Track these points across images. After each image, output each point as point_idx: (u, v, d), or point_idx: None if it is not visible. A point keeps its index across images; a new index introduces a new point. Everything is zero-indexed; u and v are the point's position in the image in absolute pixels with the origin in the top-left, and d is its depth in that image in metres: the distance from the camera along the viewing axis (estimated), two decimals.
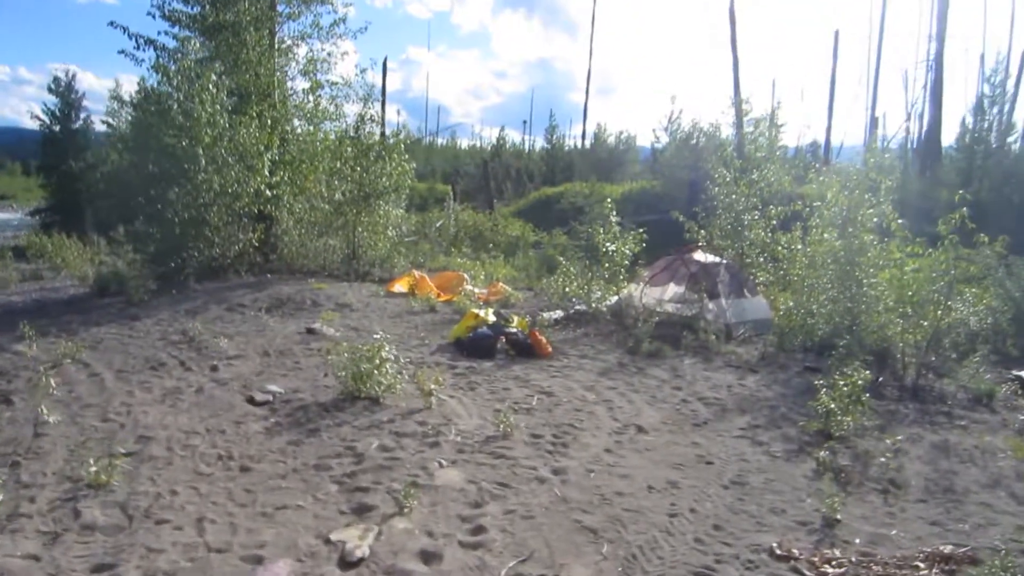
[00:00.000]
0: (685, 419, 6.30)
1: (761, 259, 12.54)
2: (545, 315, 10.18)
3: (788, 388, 7.58)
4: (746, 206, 12.49)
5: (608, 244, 9.93)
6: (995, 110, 20.42)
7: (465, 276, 13.60)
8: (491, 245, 20.17)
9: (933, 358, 7.71)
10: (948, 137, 23.82)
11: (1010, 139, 20.79)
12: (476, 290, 12.88)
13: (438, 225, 21.57)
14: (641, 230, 10.90)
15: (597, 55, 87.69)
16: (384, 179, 15.23)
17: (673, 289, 12.18)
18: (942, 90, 23.77)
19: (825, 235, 9.82)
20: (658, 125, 25.77)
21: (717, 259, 11.55)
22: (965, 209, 7.39)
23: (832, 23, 65.39)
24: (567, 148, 37.71)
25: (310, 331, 9.29)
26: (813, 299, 9.84)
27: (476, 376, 7.47)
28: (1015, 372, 8.31)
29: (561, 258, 11.33)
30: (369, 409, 6.09)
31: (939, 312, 7.56)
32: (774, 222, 12.39)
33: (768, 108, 14.67)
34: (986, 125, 20.15)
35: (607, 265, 10.10)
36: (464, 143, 40.72)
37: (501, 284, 13.19)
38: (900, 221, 7.36)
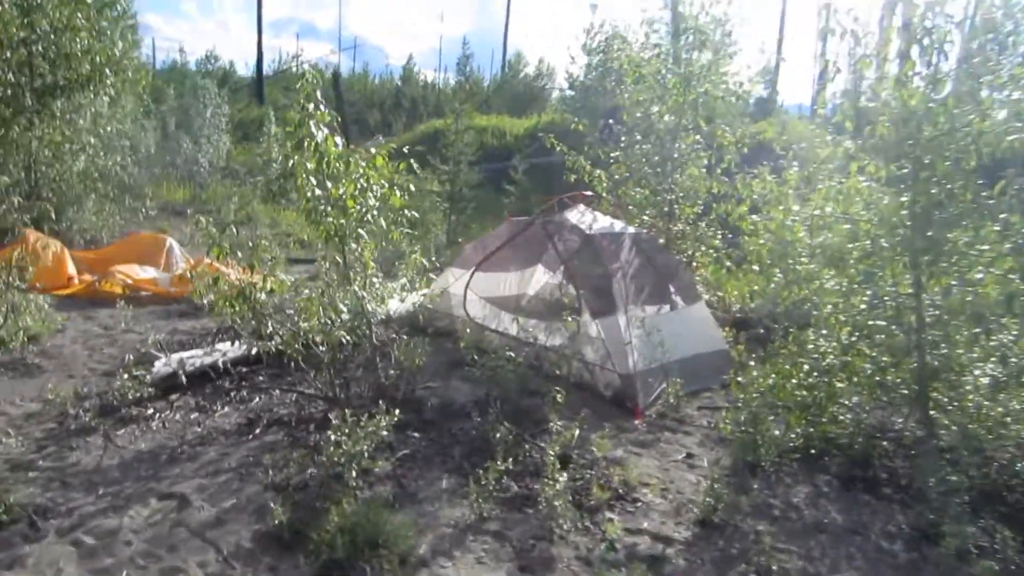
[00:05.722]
0: None
1: (704, 225, 6.77)
2: (156, 370, 4.06)
3: None
4: (680, 125, 6.65)
5: (318, 191, 3.69)
6: None
7: (170, 242, 7.30)
8: None
9: None
10: None
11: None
12: (151, 275, 6.58)
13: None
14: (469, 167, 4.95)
15: None
16: (81, 58, 8.89)
17: (540, 279, 6.58)
18: None
19: (861, 180, 4.04)
20: (575, 42, 19.58)
21: (614, 224, 5.66)
22: None
23: None
24: (484, 83, 31.56)
25: None
26: (821, 336, 4.10)
27: None
28: None
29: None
30: None
31: None
32: (729, 157, 6.60)
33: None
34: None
35: (335, 237, 3.93)
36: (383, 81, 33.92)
37: (208, 260, 6.90)
38: None
